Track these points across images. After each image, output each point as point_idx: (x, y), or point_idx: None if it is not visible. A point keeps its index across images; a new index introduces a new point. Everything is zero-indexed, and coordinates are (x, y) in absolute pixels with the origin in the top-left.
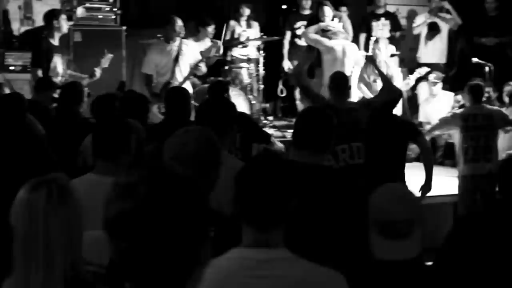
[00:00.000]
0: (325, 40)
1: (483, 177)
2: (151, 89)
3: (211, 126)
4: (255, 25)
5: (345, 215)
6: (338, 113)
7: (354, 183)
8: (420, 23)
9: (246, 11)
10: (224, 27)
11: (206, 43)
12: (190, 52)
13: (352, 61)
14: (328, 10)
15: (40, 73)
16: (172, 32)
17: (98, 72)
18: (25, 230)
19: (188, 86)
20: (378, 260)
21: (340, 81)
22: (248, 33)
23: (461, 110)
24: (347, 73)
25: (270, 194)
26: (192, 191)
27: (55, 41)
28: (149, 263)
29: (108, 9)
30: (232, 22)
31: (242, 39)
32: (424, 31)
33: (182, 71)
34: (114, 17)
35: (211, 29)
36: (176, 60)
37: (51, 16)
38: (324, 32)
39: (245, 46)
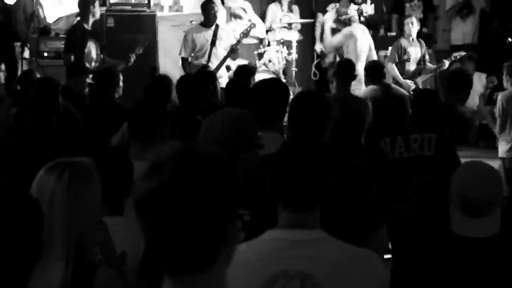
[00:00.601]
0: (343, 34)
1: None
2: (187, 72)
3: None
4: (296, 9)
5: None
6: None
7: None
8: (453, 3)
9: None
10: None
11: (242, 25)
12: (226, 36)
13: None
14: None
15: (72, 58)
16: (210, 17)
17: (132, 58)
18: None
19: (223, 69)
20: (457, 235)
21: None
22: (289, 16)
23: None
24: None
25: (304, 176)
26: (218, 169)
27: (89, 27)
28: (176, 242)
29: None
30: (274, 6)
31: (284, 22)
32: (456, 12)
33: (218, 55)
34: (146, 2)
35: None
36: (212, 44)
37: (85, 1)
38: (339, 21)
39: (288, 29)
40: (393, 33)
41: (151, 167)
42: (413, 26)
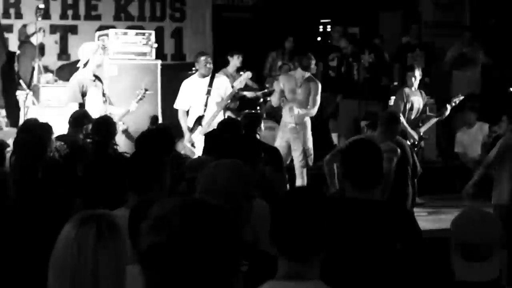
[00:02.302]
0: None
1: None
2: (185, 123)
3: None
4: (297, 59)
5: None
6: None
7: (405, 217)
8: (452, 53)
9: (290, 45)
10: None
11: (237, 75)
12: (222, 86)
13: None
14: None
15: (76, 106)
16: (204, 67)
17: (134, 106)
18: (74, 265)
19: (221, 118)
20: (459, 281)
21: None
22: (289, 65)
23: None
24: None
25: (302, 225)
26: (224, 222)
27: (91, 75)
28: None
29: (144, 42)
30: (274, 54)
31: (283, 70)
32: (456, 61)
33: (214, 105)
34: (149, 50)
35: (238, 61)
36: (208, 94)
37: (90, 50)
38: None
39: None
40: (395, 83)
41: (155, 220)
42: (415, 79)
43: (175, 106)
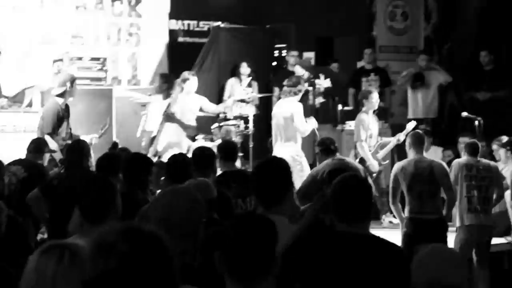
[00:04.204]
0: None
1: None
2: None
3: None
4: (255, 85)
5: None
6: None
7: (397, 252)
8: (405, 73)
9: (247, 70)
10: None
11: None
12: (179, 109)
13: None
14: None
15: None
16: (161, 89)
17: (95, 139)
18: None
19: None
20: None
21: None
22: (247, 91)
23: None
24: None
25: (252, 247)
26: (163, 246)
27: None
28: None
29: (98, 68)
30: (233, 80)
31: (242, 96)
32: (409, 83)
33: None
34: (104, 76)
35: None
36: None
37: (66, 80)
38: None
39: (246, 103)
40: (350, 107)
41: (99, 248)
42: (374, 104)
43: (146, 128)
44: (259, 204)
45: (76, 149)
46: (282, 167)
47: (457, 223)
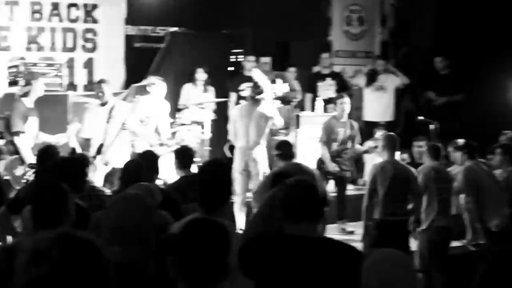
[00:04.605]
0: None
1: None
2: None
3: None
4: (211, 89)
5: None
6: None
7: (351, 255)
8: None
9: (203, 76)
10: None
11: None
12: (119, 115)
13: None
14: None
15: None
16: (103, 96)
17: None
18: None
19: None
20: None
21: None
22: (204, 95)
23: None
24: None
25: (205, 253)
26: (98, 253)
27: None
28: None
29: (54, 73)
30: (188, 86)
31: (198, 101)
32: (363, 82)
33: (112, 133)
34: (60, 82)
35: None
36: (108, 122)
37: (30, 79)
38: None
39: (202, 108)
40: (307, 112)
41: (33, 254)
42: (345, 108)
43: (82, 135)
44: (201, 207)
45: (46, 158)
46: (224, 171)
47: (424, 225)
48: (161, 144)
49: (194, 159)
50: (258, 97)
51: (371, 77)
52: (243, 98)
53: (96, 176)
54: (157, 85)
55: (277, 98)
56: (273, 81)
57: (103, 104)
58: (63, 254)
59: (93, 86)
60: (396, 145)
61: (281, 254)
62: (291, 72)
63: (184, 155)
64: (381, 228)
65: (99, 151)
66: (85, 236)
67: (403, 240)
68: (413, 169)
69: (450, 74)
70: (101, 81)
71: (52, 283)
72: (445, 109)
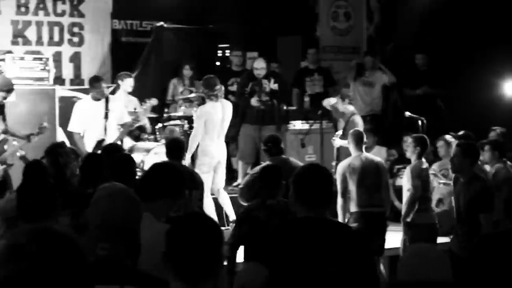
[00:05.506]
0: None
1: None
2: (83, 146)
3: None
4: (198, 84)
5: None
6: None
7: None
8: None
9: (189, 73)
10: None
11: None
12: (117, 108)
13: None
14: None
15: None
16: (99, 92)
17: (35, 139)
18: None
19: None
20: None
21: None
22: (190, 90)
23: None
24: None
25: (197, 249)
26: (75, 248)
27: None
28: None
29: (41, 67)
30: (175, 80)
31: (184, 95)
32: (351, 75)
33: (112, 128)
34: (47, 76)
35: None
36: (106, 117)
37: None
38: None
39: (190, 103)
40: (294, 107)
41: (9, 250)
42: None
43: (70, 129)
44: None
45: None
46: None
47: (410, 220)
48: (148, 139)
49: (184, 151)
50: None
51: (358, 72)
52: (231, 93)
53: None
54: (127, 79)
55: (266, 93)
56: (267, 78)
57: (97, 99)
58: (38, 248)
59: (94, 85)
60: (363, 141)
61: (295, 237)
62: (274, 67)
63: (173, 147)
64: (363, 220)
65: (98, 147)
66: (62, 231)
67: (382, 230)
68: (382, 161)
69: (430, 70)
70: (100, 79)
71: (28, 277)
72: (429, 104)
